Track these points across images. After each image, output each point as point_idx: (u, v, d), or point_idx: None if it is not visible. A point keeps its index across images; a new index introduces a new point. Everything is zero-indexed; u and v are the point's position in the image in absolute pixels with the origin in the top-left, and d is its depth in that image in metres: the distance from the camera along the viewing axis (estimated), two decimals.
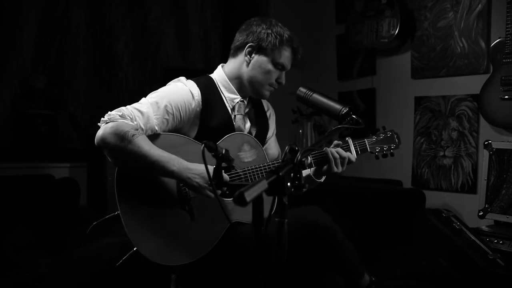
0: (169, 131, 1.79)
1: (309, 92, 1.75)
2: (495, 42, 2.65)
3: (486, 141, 2.72)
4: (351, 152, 1.85)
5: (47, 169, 3.06)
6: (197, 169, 1.66)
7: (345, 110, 1.64)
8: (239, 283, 1.79)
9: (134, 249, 1.64)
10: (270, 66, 1.86)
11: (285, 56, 1.87)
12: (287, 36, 1.87)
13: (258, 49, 1.86)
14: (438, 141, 3.13)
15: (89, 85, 3.36)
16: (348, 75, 3.74)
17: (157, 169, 1.64)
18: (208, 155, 1.44)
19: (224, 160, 1.49)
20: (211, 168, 1.44)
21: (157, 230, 1.68)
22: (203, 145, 1.44)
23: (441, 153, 3.11)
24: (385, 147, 1.94)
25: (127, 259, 1.65)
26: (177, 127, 1.80)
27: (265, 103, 2.11)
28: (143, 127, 1.69)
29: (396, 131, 1.99)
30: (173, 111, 1.76)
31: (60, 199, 2.75)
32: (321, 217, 1.73)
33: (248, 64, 1.88)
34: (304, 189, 1.04)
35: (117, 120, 1.64)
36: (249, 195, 0.94)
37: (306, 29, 3.90)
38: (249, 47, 1.87)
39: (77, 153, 3.26)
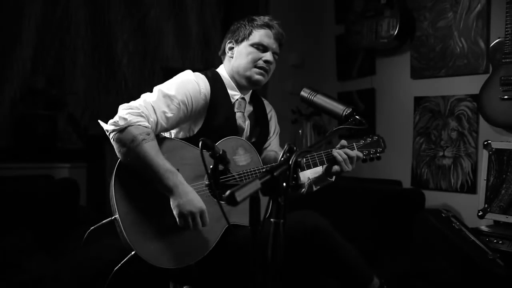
0: (176, 123, 1.81)
1: (313, 93, 1.75)
2: (494, 42, 2.65)
3: (485, 141, 2.72)
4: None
5: (47, 169, 3.06)
6: (194, 198, 1.67)
7: (348, 111, 1.64)
8: (237, 286, 1.79)
9: (133, 252, 1.63)
10: (250, 49, 1.92)
11: (261, 35, 1.93)
12: (257, 19, 1.95)
13: (236, 41, 1.96)
14: (437, 141, 3.13)
15: (89, 85, 3.35)
16: (347, 75, 3.74)
17: (156, 179, 1.67)
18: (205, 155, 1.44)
19: (221, 161, 1.49)
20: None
21: (154, 233, 1.68)
22: (200, 141, 1.44)
23: (441, 153, 3.11)
24: (372, 151, 2.00)
25: (126, 262, 1.65)
26: (184, 119, 1.82)
27: (267, 104, 2.13)
28: (151, 121, 1.72)
29: (382, 136, 2.05)
30: (185, 102, 1.79)
31: (60, 200, 2.75)
32: (319, 222, 1.72)
33: (232, 57, 1.97)
34: (303, 189, 1.03)
35: (131, 124, 1.67)
36: (240, 195, 0.94)
37: (305, 29, 3.90)
38: (228, 44, 1.99)
39: (77, 153, 3.25)
